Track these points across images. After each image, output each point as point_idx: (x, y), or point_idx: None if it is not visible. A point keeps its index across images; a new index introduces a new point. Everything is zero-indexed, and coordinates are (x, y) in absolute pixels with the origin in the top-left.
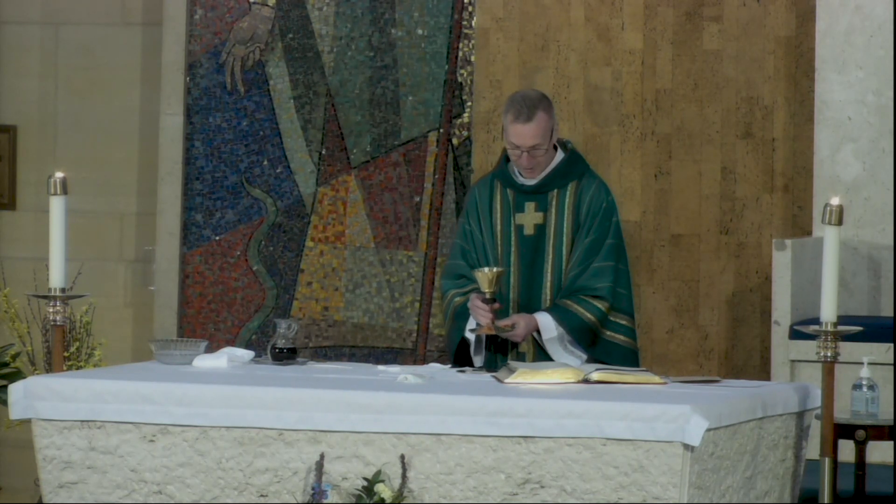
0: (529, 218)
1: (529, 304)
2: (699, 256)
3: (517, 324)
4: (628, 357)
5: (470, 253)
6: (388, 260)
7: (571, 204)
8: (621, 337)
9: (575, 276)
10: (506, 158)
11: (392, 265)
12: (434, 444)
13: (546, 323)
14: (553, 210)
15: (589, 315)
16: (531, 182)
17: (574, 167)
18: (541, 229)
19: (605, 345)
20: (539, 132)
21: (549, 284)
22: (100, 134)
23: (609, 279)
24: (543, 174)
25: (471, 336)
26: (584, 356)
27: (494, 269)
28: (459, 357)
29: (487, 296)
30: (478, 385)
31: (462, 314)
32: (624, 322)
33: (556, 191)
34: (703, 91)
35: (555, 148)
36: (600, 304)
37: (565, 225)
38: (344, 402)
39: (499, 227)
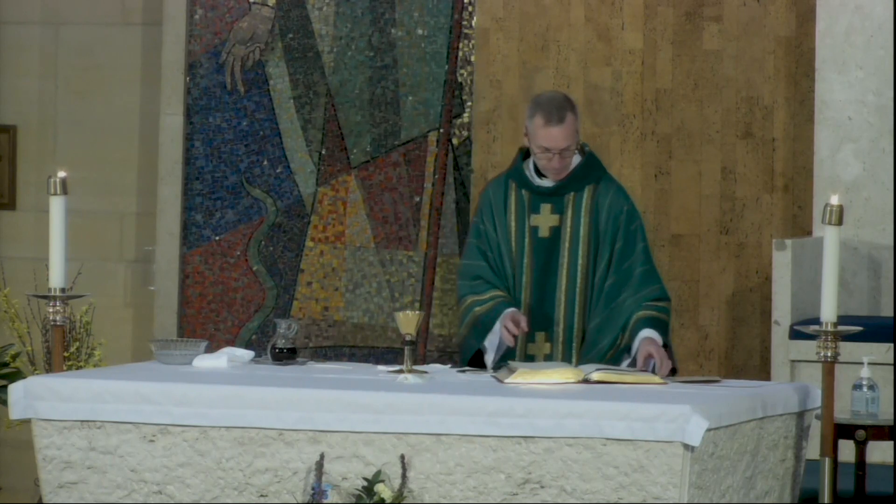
0: (545, 220)
1: (542, 306)
2: (699, 256)
3: (652, 355)
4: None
5: (487, 252)
6: (388, 260)
7: (588, 208)
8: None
9: (615, 283)
10: (522, 158)
11: (392, 265)
12: (434, 444)
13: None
14: (569, 213)
15: (668, 319)
16: (548, 184)
17: (591, 170)
18: (556, 231)
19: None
20: (570, 134)
21: (563, 287)
22: (100, 134)
23: (658, 280)
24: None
25: (488, 345)
26: None
27: (417, 312)
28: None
29: (408, 338)
30: (478, 385)
31: (481, 325)
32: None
33: (572, 193)
34: (703, 91)
35: None
36: (668, 305)
37: (582, 228)
38: (344, 402)
39: (513, 228)
